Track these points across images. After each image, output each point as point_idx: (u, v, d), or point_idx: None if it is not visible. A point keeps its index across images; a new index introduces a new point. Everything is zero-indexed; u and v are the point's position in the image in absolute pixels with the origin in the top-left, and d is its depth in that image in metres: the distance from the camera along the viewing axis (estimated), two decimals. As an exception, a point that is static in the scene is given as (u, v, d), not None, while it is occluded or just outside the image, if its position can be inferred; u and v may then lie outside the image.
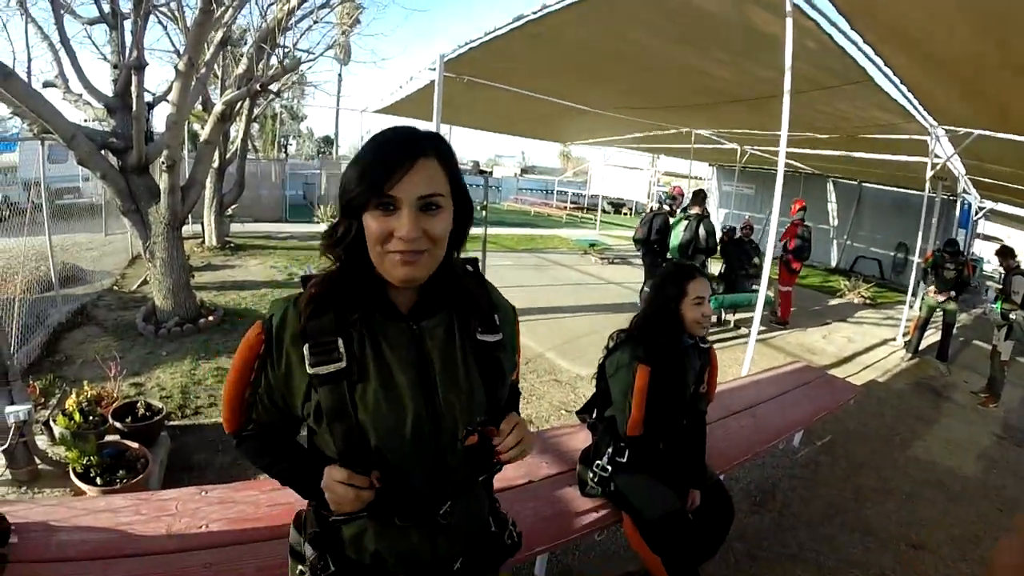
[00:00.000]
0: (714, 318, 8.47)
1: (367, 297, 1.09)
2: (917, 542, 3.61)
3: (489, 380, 1.17)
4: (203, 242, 10.87)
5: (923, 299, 7.97)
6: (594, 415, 2.65)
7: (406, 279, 1.02)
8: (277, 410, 1.16)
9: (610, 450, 2.49)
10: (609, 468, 2.49)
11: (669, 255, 7.87)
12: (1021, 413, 6.33)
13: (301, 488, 1.19)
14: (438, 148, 1.04)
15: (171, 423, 4.07)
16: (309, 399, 1.09)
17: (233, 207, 11.66)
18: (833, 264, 16.55)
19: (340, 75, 27.76)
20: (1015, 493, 4.48)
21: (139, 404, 3.67)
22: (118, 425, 3.45)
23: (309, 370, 1.05)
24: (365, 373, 1.07)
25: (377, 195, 0.98)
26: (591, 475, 2.54)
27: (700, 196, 7.86)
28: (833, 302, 11.45)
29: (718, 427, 3.48)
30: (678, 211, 8.24)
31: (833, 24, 4.48)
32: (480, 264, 1.28)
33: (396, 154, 1.00)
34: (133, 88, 5.25)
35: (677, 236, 7.66)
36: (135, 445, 3.27)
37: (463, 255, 1.21)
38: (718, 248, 8.10)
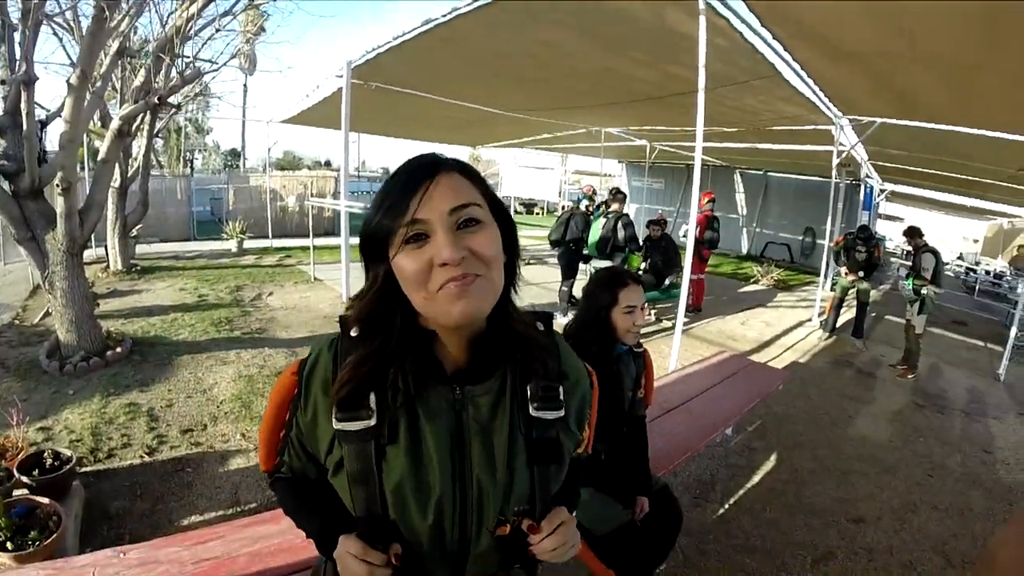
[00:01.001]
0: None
1: (410, 350, 0.94)
2: (857, 516, 3.76)
3: (539, 464, 1.00)
4: (107, 266, 10.23)
5: (836, 280, 8.34)
6: None
7: (466, 314, 0.86)
8: (308, 456, 1.05)
9: None
10: None
11: (586, 251, 7.96)
12: (937, 381, 6.73)
13: (320, 547, 1.06)
14: (461, 165, 0.92)
15: (84, 469, 3.77)
16: (331, 452, 0.97)
17: (138, 227, 11.04)
18: (744, 251, 17.17)
19: (245, 85, 26.97)
20: (943, 458, 4.75)
21: (46, 454, 3.36)
22: (24, 479, 3.15)
23: (335, 424, 0.93)
24: (396, 436, 0.93)
25: (399, 223, 0.85)
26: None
27: (619, 195, 7.98)
28: (747, 288, 11.85)
29: (655, 427, 3.48)
30: (592, 209, 8.35)
31: (744, 21, 4.59)
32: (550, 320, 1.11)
33: (410, 175, 0.88)
34: (23, 105, 4.85)
35: (596, 233, 7.77)
36: (46, 501, 2.99)
37: (525, 306, 1.06)
38: (641, 245, 8.21)
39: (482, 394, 0.97)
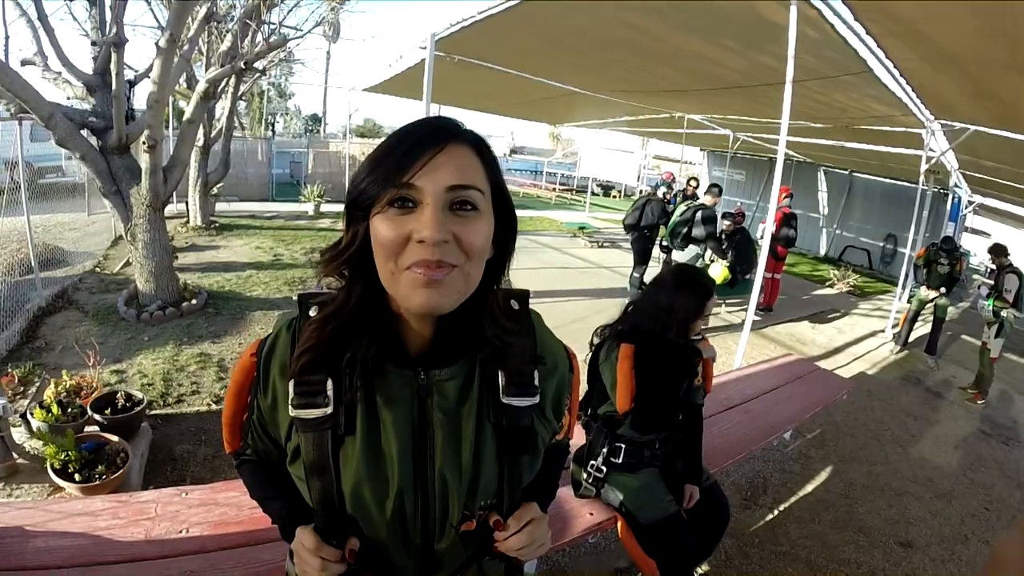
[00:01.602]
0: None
1: (370, 331, 0.86)
2: (906, 540, 3.61)
3: (509, 455, 0.93)
4: (187, 222, 10.68)
5: (913, 292, 7.97)
6: (588, 412, 2.58)
7: (426, 306, 0.78)
8: (270, 440, 0.99)
9: (605, 450, 2.42)
10: (604, 468, 2.42)
11: (664, 241, 7.81)
12: (1008, 411, 6.35)
13: (283, 534, 1.03)
14: (476, 139, 0.83)
15: (152, 412, 3.98)
16: (290, 438, 0.92)
17: (218, 186, 11.45)
18: (822, 253, 16.58)
19: (328, 52, 27.47)
20: (1002, 492, 4.49)
21: (119, 395, 3.56)
22: (97, 417, 3.35)
23: (291, 412, 0.87)
24: (353, 426, 0.86)
25: (392, 183, 0.75)
26: (585, 475, 2.47)
27: (716, 188, 7.78)
28: (822, 291, 11.45)
29: (712, 423, 3.44)
30: (670, 197, 8.18)
31: (836, 14, 4.39)
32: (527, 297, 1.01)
33: (420, 136, 0.79)
34: (113, 66, 5.09)
35: (675, 217, 7.62)
36: (115, 438, 3.18)
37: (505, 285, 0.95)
38: (720, 238, 8.01)
39: (448, 379, 0.89)
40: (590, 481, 2.46)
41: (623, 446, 2.39)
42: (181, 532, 2.03)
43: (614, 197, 27.92)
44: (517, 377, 0.92)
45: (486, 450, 0.91)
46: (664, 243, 8.13)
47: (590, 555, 3.10)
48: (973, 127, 6.71)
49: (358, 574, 0.91)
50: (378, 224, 0.77)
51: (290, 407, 0.87)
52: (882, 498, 4.09)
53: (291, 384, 0.87)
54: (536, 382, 0.94)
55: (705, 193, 7.70)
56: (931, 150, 7.98)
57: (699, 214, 7.42)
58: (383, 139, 0.83)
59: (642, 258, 8.24)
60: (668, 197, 8.31)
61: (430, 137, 0.78)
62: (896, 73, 5.42)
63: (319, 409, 0.85)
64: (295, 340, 0.90)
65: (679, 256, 7.54)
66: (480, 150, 0.83)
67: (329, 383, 0.86)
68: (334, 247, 0.86)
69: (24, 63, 5.75)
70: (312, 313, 0.89)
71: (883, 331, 8.64)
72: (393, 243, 0.76)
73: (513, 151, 41.64)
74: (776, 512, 3.73)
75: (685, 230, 7.46)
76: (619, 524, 2.44)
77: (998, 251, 6.63)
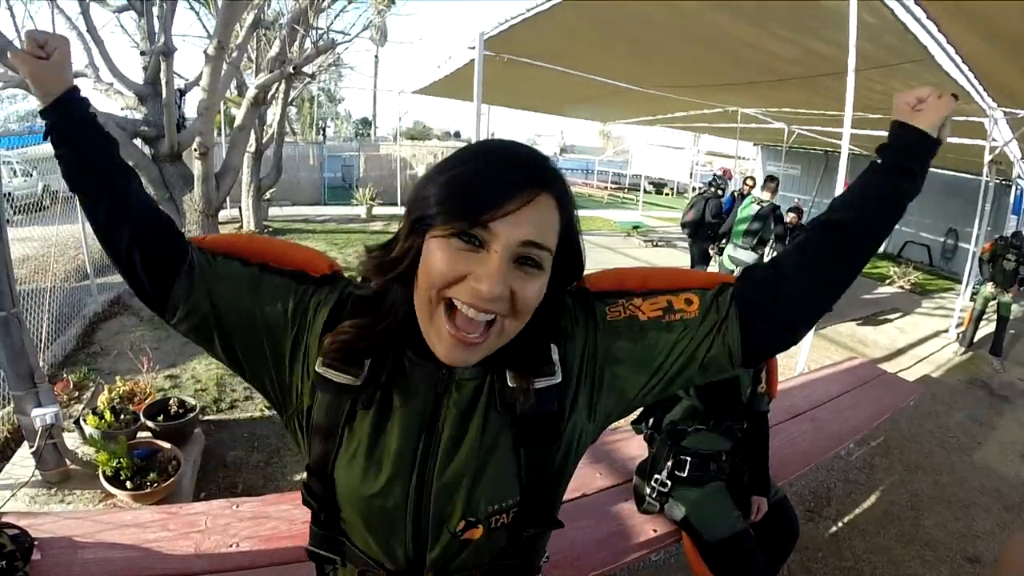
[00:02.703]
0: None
1: (409, 334, 0.80)
2: (974, 555, 3.43)
3: (527, 446, 0.84)
4: (241, 227, 10.91)
5: (977, 290, 7.60)
6: (650, 424, 2.48)
7: (449, 360, 0.75)
8: (230, 300, 0.87)
9: (670, 463, 2.32)
10: (668, 483, 2.32)
11: (733, 241, 7.49)
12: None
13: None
14: (562, 190, 0.77)
15: (206, 418, 4.02)
16: (300, 386, 0.86)
17: (271, 191, 11.68)
18: (881, 249, 16.04)
19: (377, 56, 27.83)
20: (1073, 503, 4.23)
21: (172, 401, 3.60)
22: (150, 424, 3.39)
23: (318, 367, 0.82)
24: (369, 404, 0.82)
25: (468, 222, 0.69)
26: (648, 490, 2.36)
27: (773, 181, 7.36)
28: (882, 289, 11.05)
29: (778, 432, 3.29)
30: (726, 193, 7.93)
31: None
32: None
33: (516, 176, 0.72)
34: (162, 75, 5.18)
35: (744, 223, 7.23)
36: (167, 446, 3.20)
37: None
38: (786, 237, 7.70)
39: (470, 379, 0.83)
40: (654, 496, 2.35)
41: (688, 459, 2.28)
42: (231, 546, 2.00)
43: (666, 195, 27.59)
44: (528, 359, 0.82)
45: (496, 446, 0.83)
46: (723, 243, 7.82)
47: (652, 573, 2.99)
48: (1038, 115, 6.39)
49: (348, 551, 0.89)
50: (435, 250, 0.71)
51: (319, 364, 0.82)
52: (948, 510, 3.89)
53: (327, 340, 0.82)
54: (555, 357, 0.84)
55: (763, 188, 7.36)
56: (994, 140, 7.62)
57: (774, 220, 7.10)
58: (466, 149, 0.78)
59: (701, 258, 8.02)
60: (722, 190, 8.04)
61: (528, 179, 0.72)
62: (958, 60, 5.21)
63: (349, 376, 0.81)
64: (340, 307, 0.86)
65: (744, 256, 7.21)
66: (563, 202, 0.77)
67: (368, 362, 0.81)
68: (384, 252, 0.81)
69: (76, 75, 5.88)
70: (363, 293, 0.84)
71: (946, 331, 8.28)
72: (446, 278, 0.71)
73: (563, 150, 41.59)
74: (840, 525, 3.58)
75: (758, 228, 7.13)
76: (684, 541, 2.34)
77: None
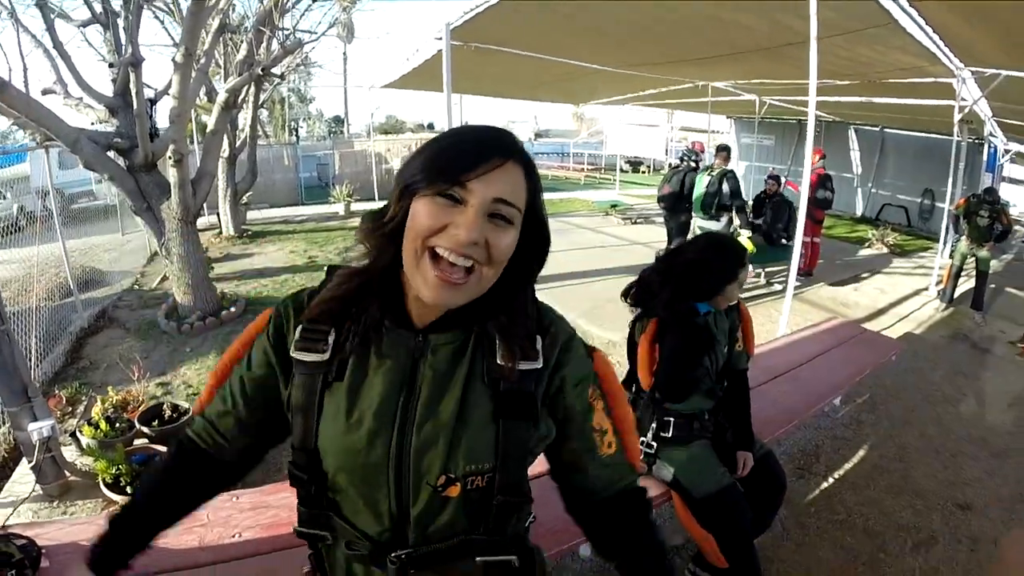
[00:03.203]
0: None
1: (382, 298, 0.92)
2: (964, 502, 3.51)
3: (505, 418, 0.91)
4: (220, 232, 10.86)
5: (955, 246, 7.72)
6: (633, 389, 2.54)
7: (437, 301, 0.84)
8: (242, 400, 1.01)
9: (654, 424, 2.39)
10: (654, 444, 2.39)
11: (694, 211, 7.61)
12: (1062, 362, 6.14)
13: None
14: (528, 162, 0.88)
15: (200, 422, 4.04)
16: (288, 384, 0.97)
17: (248, 194, 11.60)
18: (859, 213, 16.20)
19: (345, 53, 27.61)
20: (1059, 447, 4.35)
21: (165, 406, 3.64)
22: (145, 430, 3.42)
23: (292, 353, 0.93)
24: (342, 375, 0.92)
25: (448, 181, 0.80)
26: (635, 450, 2.44)
27: (724, 150, 7.53)
28: (862, 252, 11.20)
29: (761, 393, 3.37)
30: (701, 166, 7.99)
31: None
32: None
33: (489, 144, 0.84)
34: (132, 85, 5.16)
35: (700, 189, 7.38)
36: (163, 449, 3.24)
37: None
38: (747, 204, 7.82)
39: (445, 343, 0.93)
40: (641, 458, 2.42)
41: (672, 419, 2.35)
42: (234, 536, 2.05)
43: (643, 173, 27.60)
44: (516, 340, 0.92)
45: (476, 412, 0.91)
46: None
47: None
48: (1005, 72, 6.47)
49: (330, 524, 0.97)
50: (420, 207, 0.82)
51: (292, 348, 0.94)
52: (937, 460, 3.98)
53: (298, 330, 0.94)
54: (539, 347, 0.94)
55: (716, 157, 7.46)
56: (963, 99, 7.68)
57: (724, 178, 7.22)
58: (446, 132, 0.91)
59: (680, 231, 8.07)
60: (697, 163, 8.11)
61: (498, 148, 0.84)
62: (921, 22, 5.25)
63: (317, 354, 0.92)
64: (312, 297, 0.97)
65: (709, 225, 7.33)
66: (529, 172, 0.88)
67: (332, 333, 0.92)
68: (379, 215, 0.90)
69: (45, 92, 5.86)
70: (337, 282, 0.95)
71: (927, 289, 8.41)
72: (430, 228, 0.81)
73: (538, 135, 41.41)
74: (831, 480, 3.66)
75: (713, 194, 7.25)
76: (674, 500, 2.40)
77: None
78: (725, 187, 7.09)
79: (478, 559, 0.96)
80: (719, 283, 2.26)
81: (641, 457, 2.40)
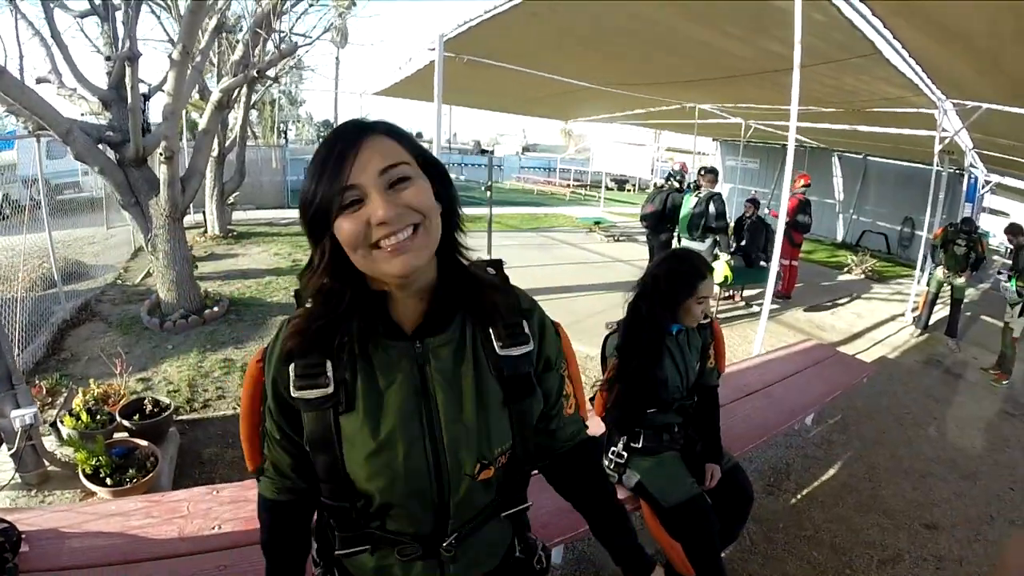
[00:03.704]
0: (728, 294, 8.41)
1: (365, 313, 0.95)
2: (931, 522, 3.59)
3: (514, 402, 1.01)
4: (205, 231, 10.80)
5: (932, 274, 7.87)
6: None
7: (405, 270, 0.86)
8: (287, 441, 1.04)
9: (625, 436, 2.45)
10: (624, 454, 2.45)
11: (676, 231, 7.69)
12: (1031, 390, 6.28)
13: None
14: (387, 127, 0.92)
15: (180, 417, 4.05)
16: (302, 425, 0.99)
17: (234, 195, 11.57)
18: (839, 238, 16.44)
19: (337, 58, 27.57)
20: (1026, 472, 4.46)
21: (146, 400, 3.64)
22: (126, 423, 3.42)
23: (294, 393, 0.94)
24: (353, 401, 0.94)
25: (335, 189, 0.84)
26: (607, 462, 2.49)
27: (712, 172, 7.56)
28: (840, 277, 11.37)
29: (732, 410, 3.45)
30: (685, 187, 8.10)
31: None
32: (491, 252, 1.11)
33: (340, 143, 0.87)
34: (127, 80, 5.16)
35: (686, 210, 7.42)
36: (144, 443, 3.24)
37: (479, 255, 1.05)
38: (729, 227, 7.92)
39: (443, 344, 0.98)
40: (611, 467, 2.48)
41: (642, 430, 2.41)
42: (214, 528, 2.08)
43: (628, 191, 27.85)
44: (508, 330, 1.01)
45: (492, 400, 0.99)
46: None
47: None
48: (985, 105, 6.64)
49: (379, 540, 1.02)
50: (340, 225, 0.85)
51: (292, 389, 0.95)
52: (906, 480, 4.07)
53: (291, 368, 0.95)
54: (527, 330, 1.03)
55: (702, 179, 7.47)
56: (944, 130, 7.90)
57: (711, 201, 7.29)
58: (313, 156, 0.91)
59: (661, 249, 8.12)
60: (681, 184, 8.23)
61: (346, 139, 0.87)
62: (905, 53, 5.39)
63: (319, 389, 0.93)
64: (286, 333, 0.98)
65: (696, 247, 7.39)
66: (392, 134, 0.91)
67: (328, 364, 0.94)
68: (309, 268, 0.94)
69: (39, 81, 5.84)
70: (308, 306, 0.96)
71: (903, 315, 8.56)
72: (357, 233, 0.84)
73: (526, 149, 41.55)
74: (800, 497, 3.72)
75: (700, 216, 7.32)
76: (643, 508, 2.46)
77: (1014, 231, 6.55)
78: (712, 209, 7.18)
79: (503, 514, 1.11)
80: (677, 296, 2.31)
81: (611, 467, 2.47)
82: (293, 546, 1.16)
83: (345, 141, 0.87)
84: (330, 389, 0.93)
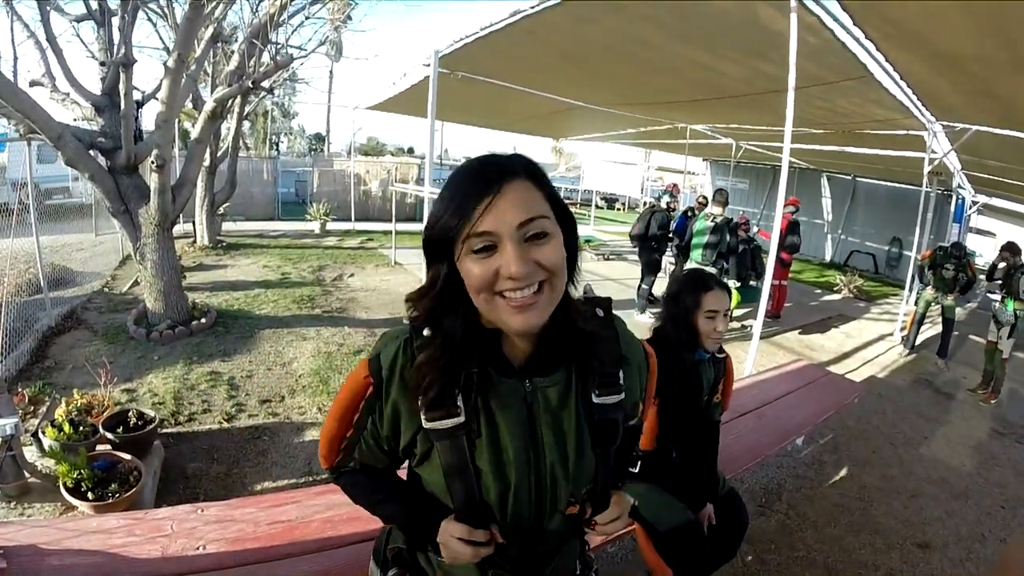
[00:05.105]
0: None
1: (480, 349, 0.98)
2: (923, 541, 3.59)
3: (601, 446, 1.06)
4: (195, 241, 10.76)
5: (919, 294, 7.90)
6: None
7: (525, 327, 0.91)
8: (382, 452, 1.10)
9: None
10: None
11: (692, 258, 7.66)
12: (1020, 409, 6.29)
13: (410, 534, 1.15)
14: (529, 169, 0.92)
15: (164, 431, 3.98)
16: (416, 445, 1.03)
17: (225, 205, 11.55)
18: (828, 258, 16.55)
19: (331, 72, 27.67)
20: (1017, 490, 4.46)
21: (131, 413, 3.57)
22: (109, 435, 3.35)
23: (425, 424, 0.98)
24: (479, 431, 0.99)
25: (465, 226, 0.86)
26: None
27: (724, 196, 7.59)
28: (829, 297, 11.44)
29: (726, 430, 3.41)
30: (676, 208, 8.14)
31: (836, 20, 4.41)
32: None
33: (482, 180, 0.88)
34: (121, 86, 5.13)
35: (702, 237, 7.43)
36: (127, 457, 3.18)
37: (589, 294, 1.10)
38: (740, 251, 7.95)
39: (550, 386, 1.02)
40: None
41: (639, 457, 2.38)
42: (198, 549, 2.02)
43: (618, 210, 27.99)
44: (605, 379, 1.05)
45: (585, 444, 1.05)
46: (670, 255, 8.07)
47: (609, 565, 3.07)
48: (974, 127, 6.70)
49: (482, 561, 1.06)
50: (468, 266, 0.89)
51: (423, 420, 0.98)
52: (897, 500, 4.07)
53: (420, 399, 0.97)
54: (621, 380, 1.07)
55: (713, 203, 7.58)
56: (933, 152, 7.97)
57: (729, 235, 7.32)
58: (448, 180, 0.94)
59: (649, 269, 8.20)
60: (672, 206, 8.28)
61: (487, 179, 0.88)
62: (896, 76, 5.42)
63: (453, 419, 0.97)
64: (414, 357, 0.98)
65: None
66: (535, 178, 0.92)
67: (459, 395, 0.97)
68: (421, 289, 0.99)
69: (33, 84, 5.80)
70: (426, 333, 0.98)
71: (891, 335, 8.61)
72: (485, 280, 0.88)
73: (516, 166, 41.69)
74: (792, 518, 3.70)
75: (716, 242, 7.29)
76: (637, 532, 2.43)
77: (1011, 250, 6.56)
78: (727, 236, 7.22)
79: (572, 540, 1.18)
80: (687, 314, 2.29)
81: None
82: (401, 486, 1.18)
83: (484, 179, 0.88)
84: (462, 418, 0.97)
